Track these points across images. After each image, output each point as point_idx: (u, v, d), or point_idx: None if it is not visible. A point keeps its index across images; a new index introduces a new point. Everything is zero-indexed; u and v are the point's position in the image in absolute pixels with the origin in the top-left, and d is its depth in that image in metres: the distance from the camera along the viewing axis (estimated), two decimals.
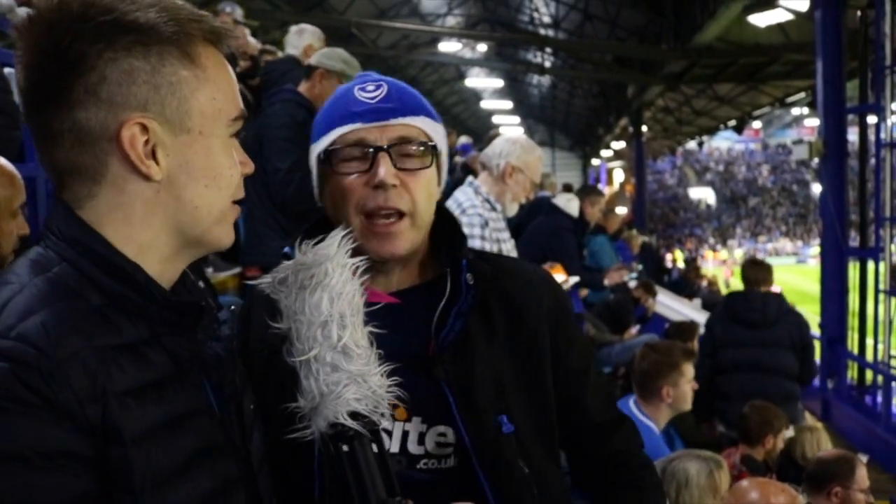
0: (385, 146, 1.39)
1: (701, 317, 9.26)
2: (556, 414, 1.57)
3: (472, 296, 1.43)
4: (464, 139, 12.37)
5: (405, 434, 1.43)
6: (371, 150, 1.39)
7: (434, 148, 1.46)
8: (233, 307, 1.34)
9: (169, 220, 1.07)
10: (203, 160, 1.06)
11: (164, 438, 1.00)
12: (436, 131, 1.48)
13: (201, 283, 3.38)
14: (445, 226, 1.53)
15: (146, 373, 1.02)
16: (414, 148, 1.42)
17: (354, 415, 1.26)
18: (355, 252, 1.41)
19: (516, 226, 6.33)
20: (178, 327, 1.09)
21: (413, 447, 1.42)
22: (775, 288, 6.63)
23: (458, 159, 10.74)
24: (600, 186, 21.60)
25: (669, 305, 10.63)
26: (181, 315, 1.10)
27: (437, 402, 1.40)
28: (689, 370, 3.97)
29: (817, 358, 9.68)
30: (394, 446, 1.42)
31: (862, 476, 3.79)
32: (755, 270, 6.10)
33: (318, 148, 1.45)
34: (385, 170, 1.38)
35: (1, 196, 2.25)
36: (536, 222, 6.37)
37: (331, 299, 1.30)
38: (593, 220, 6.97)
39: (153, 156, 1.04)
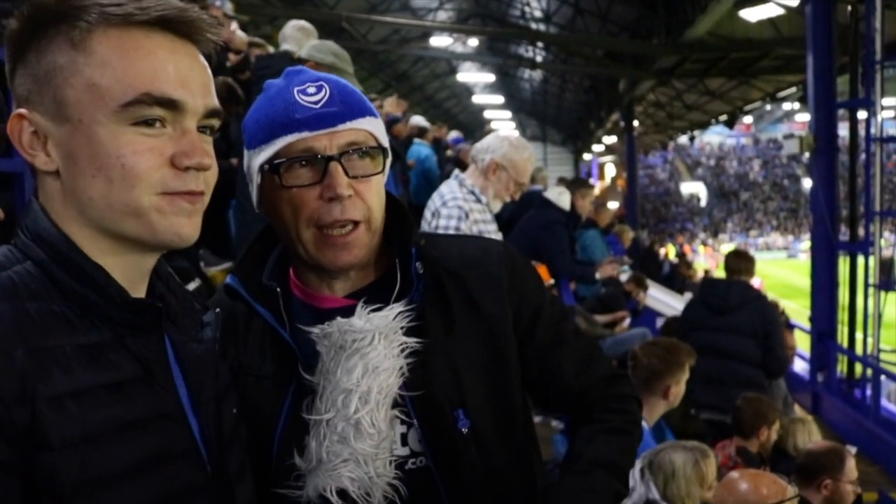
0: (336, 154, 1.32)
1: None
2: (537, 389, 1.54)
3: (423, 284, 1.39)
4: (455, 133, 12.37)
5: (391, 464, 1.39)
6: (321, 159, 1.31)
7: (382, 150, 1.39)
8: (218, 310, 1.26)
9: (80, 214, 1.03)
10: (86, 150, 1.00)
11: (112, 442, 0.97)
12: (381, 129, 1.41)
13: (194, 284, 3.37)
14: (395, 216, 1.46)
15: (102, 374, 0.98)
16: (365, 153, 1.35)
17: (343, 493, 1.26)
18: (308, 263, 1.40)
19: (508, 219, 6.34)
20: (140, 329, 1.05)
21: (399, 450, 1.38)
22: (756, 280, 6.66)
23: (450, 153, 10.74)
24: (592, 181, 21.62)
25: (661, 299, 10.65)
26: (142, 316, 1.06)
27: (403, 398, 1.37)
28: (689, 367, 3.98)
29: (806, 350, 9.83)
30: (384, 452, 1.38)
31: (851, 468, 3.82)
32: (734, 260, 6.25)
33: (259, 157, 1.35)
34: (339, 181, 1.30)
35: None
36: (528, 216, 6.39)
37: (364, 370, 1.29)
38: (584, 213, 6.98)
39: (45, 147, 1.02)
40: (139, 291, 1.10)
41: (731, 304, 5.88)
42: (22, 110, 1.03)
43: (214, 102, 1.09)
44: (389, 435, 1.32)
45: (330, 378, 1.30)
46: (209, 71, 1.10)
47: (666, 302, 10.59)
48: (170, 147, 1.03)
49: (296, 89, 1.36)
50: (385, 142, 1.42)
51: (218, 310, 1.26)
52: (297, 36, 5.55)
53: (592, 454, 1.43)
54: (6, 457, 0.90)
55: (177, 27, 1.05)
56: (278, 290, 1.39)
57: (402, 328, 1.33)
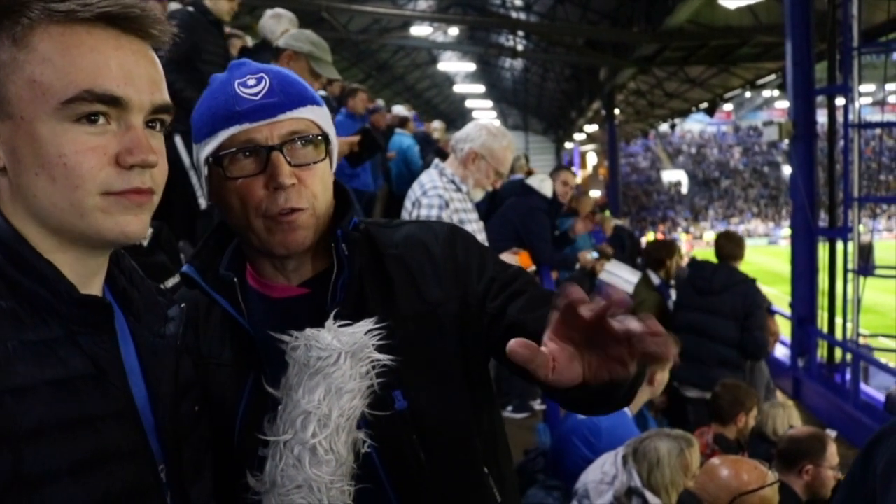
0: (277, 144, 1.34)
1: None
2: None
3: (350, 267, 1.39)
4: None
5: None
6: (263, 150, 1.34)
7: (324, 137, 1.40)
8: (183, 305, 1.26)
9: (27, 211, 1.02)
10: (28, 147, 0.99)
11: (53, 439, 0.95)
12: (325, 117, 1.43)
13: (174, 280, 3.35)
14: (341, 203, 1.48)
15: (48, 371, 0.97)
16: (307, 141, 1.37)
17: None
18: (261, 251, 1.41)
19: (487, 210, 6.34)
20: (91, 326, 1.05)
21: (357, 433, 1.35)
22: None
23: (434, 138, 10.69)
24: (574, 169, 21.61)
25: (617, 273, 10.47)
26: (92, 313, 1.05)
27: None
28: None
29: (787, 336, 9.90)
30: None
31: (832, 453, 3.85)
32: (723, 242, 6.47)
33: (205, 150, 1.38)
34: (281, 170, 1.32)
35: None
36: (510, 202, 6.37)
37: (327, 391, 1.25)
38: (566, 199, 6.95)
39: None
40: (92, 288, 1.09)
41: (715, 287, 6.08)
42: None
43: (163, 98, 1.08)
44: (349, 461, 1.28)
45: (292, 395, 1.27)
46: (158, 66, 1.09)
47: (620, 276, 10.49)
48: (114, 144, 1.02)
49: (237, 82, 1.38)
50: (329, 129, 1.43)
51: (183, 304, 1.26)
52: (270, 24, 5.52)
53: None
54: None
55: (121, 23, 1.03)
56: (235, 279, 1.42)
57: (373, 345, 1.31)
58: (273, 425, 1.29)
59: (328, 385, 1.26)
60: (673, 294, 6.97)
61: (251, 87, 1.37)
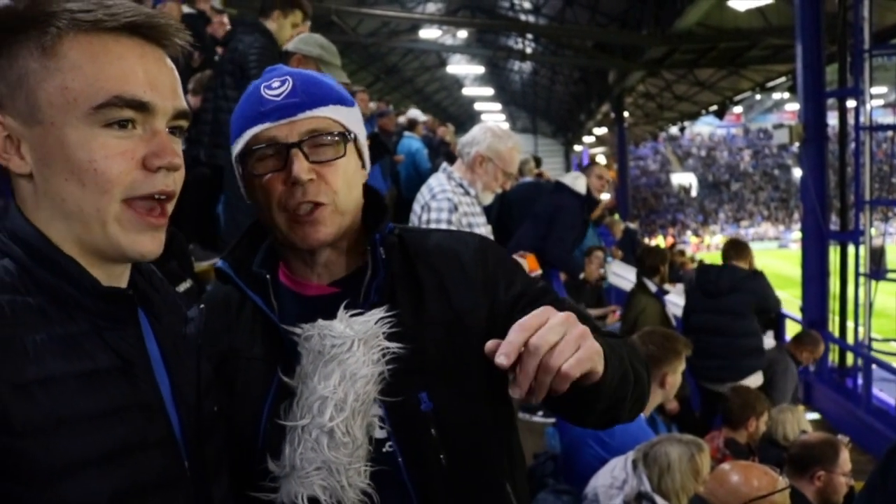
0: (296, 142, 1.39)
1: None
2: None
3: (391, 270, 1.44)
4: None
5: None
6: (283, 147, 1.39)
7: (345, 135, 1.44)
8: (202, 306, 1.32)
9: (54, 215, 1.06)
10: (58, 153, 1.03)
11: (81, 429, 0.98)
12: (351, 116, 1.47)
13: (185, 285, 3.36)
14: (373, 207, 1.53)
15: (75, 364, 1.00)
16: (325, 139, 1.41)
17: (315, 501, 1.28)
18: (287, 247, 1.47)
19: (498, 212, 6.31)
20: (115, 319, 1.08)
21: (377, 432, 1.38)
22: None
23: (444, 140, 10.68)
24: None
25: (624, 276, 10.50)
26: (115, 305, 1.08)
27: None
28: (684, 358, 3.97)
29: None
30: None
31: (845, 460, 3.81)
32: (728, 248, 6.77)
33: (235, 150, 1.45)
34: (298, 166, 1.37)
35: None
36: (542, 202, 6.30)
37: (342, 377, 1.30)
38: (599, 194, 6.84)
39: (18, 151, 1.05)
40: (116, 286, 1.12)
41: (723, 288, 6.31)
42: None
43: (183, 104, 1.12)
44: (364, 443, 1.32)
45: (308, 383, 1.32)
46: (176, 74, 1.14)
47: (629, 279, 10.51)
48: (141, 148, 1.06)
49: (263, 85, 1.45)
50: (353, 127, 1.47)
51: (202, 306, 1.31)
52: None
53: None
54: None
55: (145, 32, 1.08)
56: (268, 276, 1.46)
57: (383, 333, 1.35)
58: (290, 412, 1.34)
59: (343, 371, 1.30)
60: (675, 300, 7.01)
61: (275, 88, 1.43)
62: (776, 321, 9.81)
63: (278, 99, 1.41)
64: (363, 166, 1.51)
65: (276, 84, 1.44)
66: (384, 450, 1.37)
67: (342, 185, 1.42)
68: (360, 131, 1.50)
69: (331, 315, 1.38)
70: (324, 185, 1.39)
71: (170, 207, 1.12)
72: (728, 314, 6.26)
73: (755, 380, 6.23)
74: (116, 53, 1.05)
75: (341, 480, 1.29)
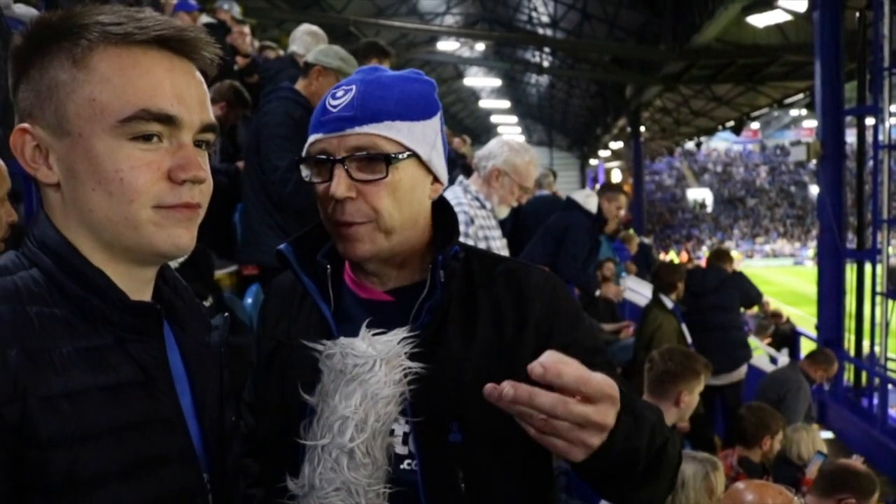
0: (341, 157, 1.37)
1: None
2: None
3: (442, 293, 1.39)
4: None
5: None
6: (329, 161, 1.38)
7: (389, 156, 1.37)
8: (226, 314, 1.32)
9: (82, 224, 1.07)
10: (85, 163, 1.04)
11: (104, 442, 0.99)
12: (415, 131, 1.41)
13: (207, 303, 3.38)
14: (443, 222, 1.50)
15: (100, 377, 1.02)
16: (370, 157, 1.37)
17: None
18: (333, 252, 1.46)
19: (512, 226, 6.31)
20: (141, 332, 1.09)
21: (399, 447, 1.37)
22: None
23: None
24: (597, 187, 21.63)
25: (640, 292, 10.45)
26: (142, 319, 1.09)
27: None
28: (704, 380, 3.92)
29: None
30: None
31: (875, 499, 3.77)
32: (712, 255, 7.83)
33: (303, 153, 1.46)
34: (336, 183, 1.36)
35: None
36: (553, 217, 6.31)
37: (363, 397, 1.29)
38: (610, 217, 6.86)
39: (46, 161, 1.06)
40: (142, 298, 1.13)
41: (709, 287, 7.12)
42: (24, 125, 1.06)
43: (210, 118, 1.13)
44: (384, 465, 1.31)
45: (328, 402, 1.31)
46: (205, 87, 1.14)
47: (644, 294, 10.50)
48: (167, 161, 1.07)
49: (331, 93, 1.44)
50: (410, 143, 1.40)
51: (227, 314, 1.32)
52: (307, 40, 5.58)
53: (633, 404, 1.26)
54: None
55: (174, 45, 1.09)
56: (328, 266, 1.46)
57: (405, 353, 1.34)
58: (309, 430, 1.33)
59: (364, 391, 1.29)
60: None
61: (338, 98, 1.41)
62: (791, 338, 9.90)
63: (335, 110, 1.39)
64: (435, 181, 1.47)
65: (339, 94, 1.42)
66: (402, 466, 1.35)
67: (386, 204, 1.38)
68: (430, 146, 1.44)
69: (383, 323, 1.37)
70: (363, 203, 1.36)
71: (201, 212, 1.13)
72: (717, 309, 7.06)
73: (742, 371, 7.14)
74: (145, 66, 1.06)
75: (360, 502, 1.28)
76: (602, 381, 1.03)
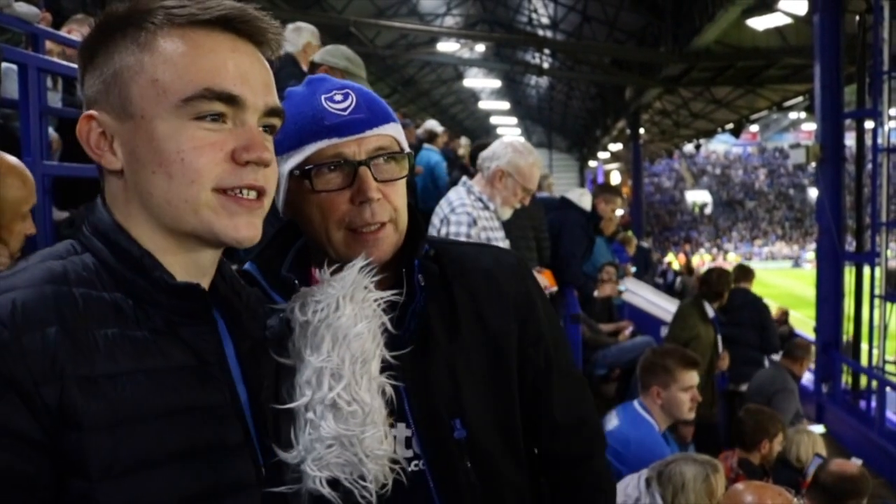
0: (365, 159, 1.36)
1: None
2: (526, 415, 1.51)
3: (424, 296, 1.40)
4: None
5: (393, 440, 1.38)
6: (351, 164, 1.36)
7: (406, 154, 1.43)
8: (282, 315, 1.27)
9: (143, 210, 1.05)
10: (148, 145, 1.03)
11: (150, 427, 0.98)
12: (402, 134, 1.46)
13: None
14: (410, 224, 1.48)
15: (147, 360, 1.00)
16: (391, 157, 1.40)
17: (335, 482, 1.19)
18: (296, 266, 1.43)
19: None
20: (190, 315, 1.07)
21: (402, 450, 1.39)
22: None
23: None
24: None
25: (658, 304, 10.51)
26: (189, 301, 1.07)
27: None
28: (684, 378, 3.91)
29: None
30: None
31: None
32: (738, 272, 8.24)
33: (288, 163, 1.38)
34: (369, 184, 1.34)
35: (15, 197, 2.26)
36: (549, 217, 6.32)
37: (333, 340, 1.21)
38: (606, 217, 6.88)
39: (111, 147, 1.06)
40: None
41: (735, 306, 7.39)
42: (91, 112, 1.06)
43: (275, 101, 1.11)
44: (377, 406, 1.23)
45: (302, 357, 1.22)
46: (269, 70, 1.12)
47: (643, 296, 10.54)
48: (230, 141, 1.05)
49: (323, 97, 1.40)
50: (406, 146, 1.46)
51: (283, 314, 1.28)
52: (292, 37, 5.58)
53: None
54: (33, 432, 0.91)
55: (238, 26, 1.08)
56: (296, 282, 1.40)
57: (370, 283, 1.28)
58: (292, 393, 1.24)
59: (332, 334, 1.21)
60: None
61: (339, 102, 1.39)
62: (788, 340, 10.04)
63: (345, 114, 1.37)
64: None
65: (338, 97, 1.40)
66: (411, 468, 1.36)
67: (401, 203, 1.41)
68: (408, 149, 1.47)
69: None
70: (387, 203, 1.38)
71: (266, 201, 1.10)
72: (738, 326, 7.52)
73: (745, 385, 7.39)
74: (208, 47, 1.05)
75: (357, 452, 1.20)
76: None
